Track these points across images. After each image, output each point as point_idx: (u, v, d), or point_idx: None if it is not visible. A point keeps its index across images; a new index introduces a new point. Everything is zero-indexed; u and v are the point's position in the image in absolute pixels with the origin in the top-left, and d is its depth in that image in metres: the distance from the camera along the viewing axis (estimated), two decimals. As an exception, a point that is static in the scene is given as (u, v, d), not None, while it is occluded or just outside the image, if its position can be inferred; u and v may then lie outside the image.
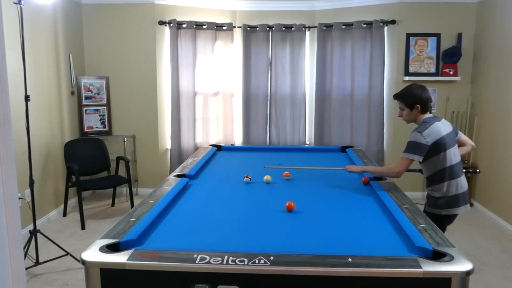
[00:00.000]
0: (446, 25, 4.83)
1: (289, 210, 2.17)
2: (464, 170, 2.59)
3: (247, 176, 2.76)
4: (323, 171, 3.05)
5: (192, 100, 5.15)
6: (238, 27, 5.15)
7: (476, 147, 4.78)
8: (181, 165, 3.15)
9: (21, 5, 2.99)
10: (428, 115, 2.54)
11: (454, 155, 2.47)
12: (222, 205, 2.30)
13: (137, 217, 1.96)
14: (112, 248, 1.63)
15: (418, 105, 2.50)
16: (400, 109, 2.61)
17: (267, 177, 2.76)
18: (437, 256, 1.58)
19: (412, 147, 2.41)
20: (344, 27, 4.96)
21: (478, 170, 4.72)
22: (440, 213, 2.52)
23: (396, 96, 2.59)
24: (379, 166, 2.62)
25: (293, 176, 2.92)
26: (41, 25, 4.18)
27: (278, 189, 2.62)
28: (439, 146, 2.41)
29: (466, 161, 4.90)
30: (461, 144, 2.65)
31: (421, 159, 2.44)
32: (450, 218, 2.58)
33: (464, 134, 4.90)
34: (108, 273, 1.52)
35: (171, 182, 2.63)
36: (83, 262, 1.53)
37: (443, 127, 2.46)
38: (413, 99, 2.51)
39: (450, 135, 2.49)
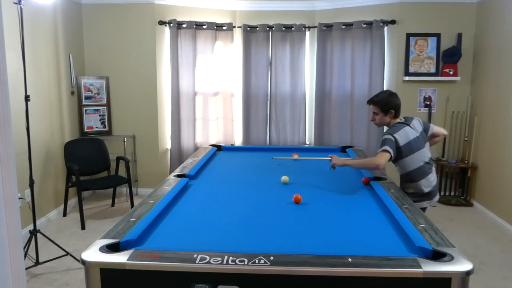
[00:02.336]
0: (446, 25, 4.83)
1: (296, 202, 2.31)
2: (433, 167, 2.80)
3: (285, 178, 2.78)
4: (316, 163, 3.09)
5: (192, 100, 5.15)
6: (238, 27, 5.15)
7: (476, 147, 4.80)
8: (181, 165, 3.15)
9: (21, 5, 2.99)
10: (398, 119, 2.74)
11: (423, 156, 2.67)
12: (222, 205, 2.30)
13: (137, 217, 1.96)
14: (112, 248, 1.63)
15: (393, 111, 2.71)
16: (373, 114, 2.77)
17: (284, 178, 2.76)
18: (437, 256, 1.58)
19: (386, 142, 2.58)
20: (344, 27, 4.96)
21: (466, 161, 4.73)
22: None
23: (372, 102, 2.74)
24: (362, 160, 2.68)
25: (293, 177, 2.92)
26: (41, 25, 4.18)
27: (278, 189, 2.62)
28: (407, 149, 2.62)
29: (466, 161, 4.90)
30: (435, 136, 2.83)
31: (394, 154, 2.57)
32: (422, 210, 2.76)
33: (464, 134, 4.95)
34: (108, 273, 1.52)
35: (171, 182, 2.63)
36: (83, 262, 1.53)
37: (411, 132, 2.65)
38: (388, 105, 2.70)
39: (419, 138, 2.67)
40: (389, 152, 2.53)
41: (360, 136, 5.07)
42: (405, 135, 2.61)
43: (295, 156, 3.27)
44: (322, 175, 2.97)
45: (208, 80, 5.16)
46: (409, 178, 2.70)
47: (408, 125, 2.68)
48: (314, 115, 5.20)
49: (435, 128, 2.81)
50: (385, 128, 2.82)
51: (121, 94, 5.14)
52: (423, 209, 2.75)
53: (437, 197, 2.80)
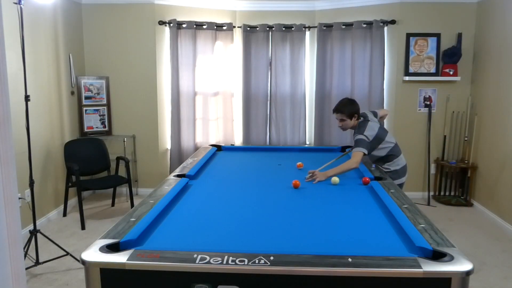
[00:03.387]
0: (446, 25, 4.83)
1: (295, 187, 2.63)
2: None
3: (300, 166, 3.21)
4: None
5: (192, 100, 5.15)
6: (238, 27, 5.15)
7: (476, 147, 4.80)
8: (181, 165, 3.15)
9: (21, 5, 2.99)
10: (360, 120, 3.18)
11: (390, 139, 3.20)
12: (222, 205, 2.30)
13: (137, 217, 1.96)
14: (112, 248, 1.63)
15: (356, 114, 3.15)
16: (340, 121, 3.17)
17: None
18: (437, 256, 1.58)
19: (359, 143, 2.99)
20: (344, 27, 4.96)
21: (466, 161, 4.74)
22: (401, 182, 3.24)
23: (338, 111, 3.14)
24: (340, 166, 2.89)
25: (293, 177, 2.92)
26: (41, 25, 4.18)
27: (277, 190, 2.62)
28: (377, 139, 3.12)
29: (466, 161, 4.90)
30: (382, 118, 3.43)
31: (368, 150, 3.01)
32: (400, 187, 3.21)
33: (464, 134, 4.95)
34: (108, 273, 1.52)
35: (171, 182, 2.63)
36: (83, 262, 1.53)
37: (374, 125, 3.11)
38: (352, 111, 3.14)
39: (381, 128, 3.17)
40: (363, 152, 2.95)
41: (360, 136, 5.06)
42: (371, 129, 3.07)
43: (300, 166, 3.25)
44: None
45: (208, 80, 5.16)
46: (387, 159, 3.21)
47: (369, 120, 3.13)
48: (314, 115, 5.20)
49: (380, 111, 3.42)
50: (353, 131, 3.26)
51: (121, 94, 5.14)
52: (401, 185, 3.25)
53: (405, 177, 3.31)
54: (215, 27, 5.03)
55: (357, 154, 2.93)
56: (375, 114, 3.32)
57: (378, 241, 1.80)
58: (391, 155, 3.20)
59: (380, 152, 3.19)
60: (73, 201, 4.81)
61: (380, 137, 3.12)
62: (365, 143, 2.99)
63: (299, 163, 3.27)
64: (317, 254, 1.57)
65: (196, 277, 1.50)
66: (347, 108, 3.14)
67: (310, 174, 2.86)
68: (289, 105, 5.20)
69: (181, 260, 1.52)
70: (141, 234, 1.76)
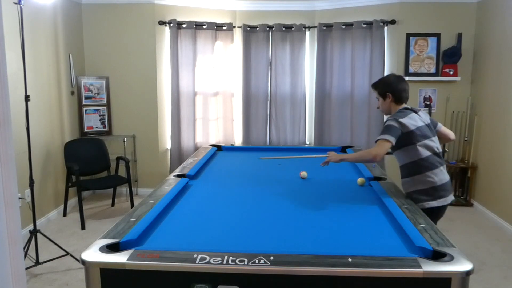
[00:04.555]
0: (446, 25, 4.83)
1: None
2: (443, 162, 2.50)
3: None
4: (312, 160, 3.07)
5: (192, 100, 5.15)
6: (238, 27, 5.15)
7: (476, 147, 4.80)
8: (181, 165, 3.15)
9: (21, 5, 2.99)
10: (403, 105, 2.47)
11: (430, 146, 2.38)
12: (222, 205, 2.30)
13: (137, 217, 1.96)
14: (112, 248, 1.63)
15: (390, 94, 2.46)
16: (377, 99, 2.59)
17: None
18: (437, 256, 1.58)
19: (387, 129, 2.33)
20: (344, 27, 4.96)
21: (466, 161, 4.73)
22: (424, 206, 2.37)
23: (373, 85, 2.58)
24: (359, 152, 2.42)
25: (293, 177, 2.92)
26: (41, 25, 4.18)
27: (278, 190, 2.62)
28: (412, 136, 2.34)
29: (466, 161, 4.90)
30: (440, 135, 2.57)
31: (394, 140, 2.31)
32: (436, 212, 2.42)
33: (464, 134, 4.95)
34: (108, 273, 1.52)
35: (171, 182, 2.63)
36: (83, 262, 1.53)
37: (419, 119, 2.40)
38: (385, 88, 2.47)
39: (428, 127, 2.42)
40: (390, 141, 2.28)
41: (360, 136, 5.07)
42: (412, 120, 2.35)
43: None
44: (322, 176, 2.97)
45: (208, 80, 5.16)
46: (414, 170, 2.38)
47: (416, 112, 2.44)
48: (314, 115, 5.20)
49: (442, 128, 2.58)
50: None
51: (121, 94, 5.14)
52: (433, 209, 2.38)
53: (450, 198, 2.47)
54: (215, 27, 5.03)
55: (380, 145, 2.30)
56: (434, 122, 2.55)
57: (378, 241, 1.80)
58: (413, 167, 2.39)
59: (405, 158, 2.41)
60: (73, 201, 4.81)
61: (415, 134, 2.34)
62: (394, 130, 2.30)
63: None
64: (317, 254, 1.57)
65: (196, 277, 1.50)
66: (381, 83, 2.50)
67: (328, 155, 2.57)
68: (289, 105, 5.20)
69: (181, 260, 1.52)
70: (141, 234, 1.76)
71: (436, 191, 2.38)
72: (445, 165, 2.47)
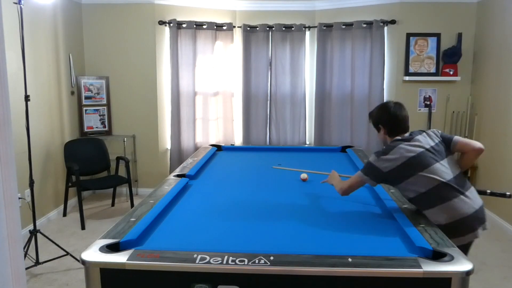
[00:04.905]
0: (446, 25, 4.83)
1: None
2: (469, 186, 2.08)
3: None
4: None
5: (192, 100, 5.15)
6: (238, 27, 5.15)
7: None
8: (181, 165, 3.15)
9: (21, 5, 2.99)
10: (397, 137, 2.14)
11: (436, 174, 1.99)
12: (222, 205, 2.30)
13: (137, 217, 1.96)
14: (112, 248, 1.63)
15: (382, 126, 2.19)
16: None
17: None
18: (437, 256, 1.58)
19: (365, 167, 2.12)
20: (344, 27, 4.96)
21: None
22: (461, 242, 2.00)
23: (369, 114, 2.34)
24: (342, 181, 2.27)
25: (293, 177, 2.92)
26: (41, 25, 4.18)
27: (278, 190, 2.62)
28: (404, 169, 2.01)
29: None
30: (462, 149, 2.13)
31: (374, 184, 2.12)
32: (465, 247, 2.04)
33: (464, 134, 4.95)
34: (108, 273, 1.52)
35: (171, 182, 2.63)
36: (83, 262, 1.53)
37: (410, 148, 2.03)
38: (377, 120, 2.22)
39: (428, 153, 2.03)
40: (363, 181, 2.11)
41: (360, 136, 5.07)
42: (397, 154, 2.02)
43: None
44: (322, 176, 2.97)
45: (208, 80, 5.16)
46: (422, 204, 2.02)
47: (407, 140, 2.07)
48: (314, 115, 5.20)
49: (460, 140, 2.11)
50: None
51: (121, 94, 5.14)
52: (467, 244, 2.05)
53: (476, 233, 2.03)
54: (215, 27, 5.03)
55: (352, 179, 2.16)
56: (447, 139, 2.13)
57: (378, 241, 1.79)
58: (430, 199, 2.00)
59: (408, 192, 2.06)
60: (73, 201, 4.81)
61: (410, 166, 2.01)
62: (371, 170, 2.08)
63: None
64: (317, 254, 1.57)
65: (196, 277, 1.50)
66: (373, 114, 2.26)
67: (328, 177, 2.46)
68: (289, 105, 5.20)
69: (181, 260, 1.52)
70: (141, 234, 1.76)
71: (456, 228, 1.98)
72: (469, 191, 2.03)
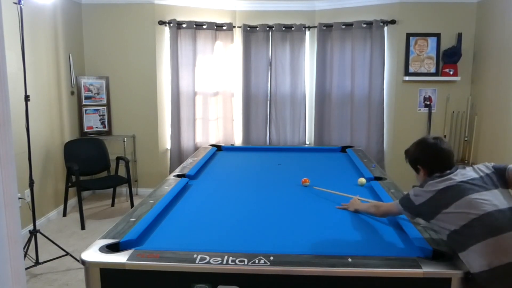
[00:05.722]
0: (446, 25, 4.83)
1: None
2: None
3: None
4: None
5: (192, 100, 5.15)
6: (238, 27, 5.15)
7: (476, 147, 4.80)
8: (181, 165, 3.16)
9: (21, 5, 2.99)
10: (437, 174, 1.77)
11: (481, 203, 1.58)
12: (222, 205, 2.30)
13: (137, 217, 1.96)
14: (112, 248, 1.63)
15: (420, 167, 1.87)
16: None
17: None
18: (437, 256, 1.58)
19: (403, 198, 1.86)
20: (344, 27, 4.96)
21: (466, 161, 4.73)
22: None
23: (404, 152, 2.02)
24: (371, 204, 2.12)
25: (293, 177, 2.92)
26: (41, 25, 4.18)
27: (278, 189, 2.62)
28: (439, 200, 1.68)
29: (466, 161, 4.90)
30: None
31: (410, 217, 1.92)
32: None
33: (464, 134, 4.95)
34: (108, 273, 1.52)
35: (171, 182, 2.63)
36: (83, 262, 1.53)
37: (447, 179, 1.71)
38: (414, 162, 1.91)
39: (468, 183, 1.67)
40: (398, 209, 1.88)
41: (360, 136, 5.07)
42: (430, 187, 1.72)
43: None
44: (322, 175, 2.97)
45: (208, 80, 5.16)
46: (457, 243, 1.59)
47: (445, 175, 1.73)
48: (314, 115, 5.20)
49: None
50: None
51: (121, 94, 5.14)
52: None
53: None
54: (215, 27, 5.03)
55: (392, 205, 1.95)
56: (500, 169, 1.74)
57: (378, 241, 1.79)
58: (461, 236, 1.57)
59: (442, 231, 1.68)
60: (73, 201, 4.81)
61: (438, 199, 1.68)
62: (407, 202, 1.80)
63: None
64: (317, 254, 1.57)
65: (196, 277, 1.50)
66: (410, 154, 1.93)
67: (348, 204, 2.26)
68: (289, 105, 5.20)
69: (181, 260, 1.52)
70: (141, 234, 1.77)
71: (489, 275, 1.47)
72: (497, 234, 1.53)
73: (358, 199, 2.26)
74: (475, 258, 1.48)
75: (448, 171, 1.75)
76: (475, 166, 1.79)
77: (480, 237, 1.51)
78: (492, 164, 1.79)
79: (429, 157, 1.82)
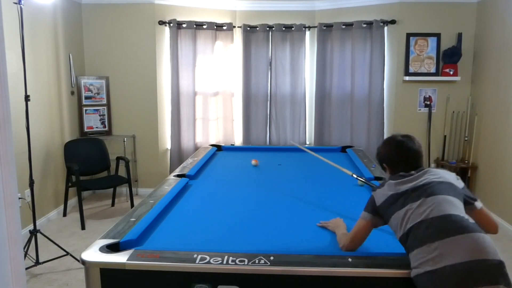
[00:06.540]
0: (446, 25, 4.83)
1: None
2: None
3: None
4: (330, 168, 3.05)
5: (192, 100, 5.15)
6: (238, 27, 5.15)
7: (476, 147, 4.80)
8: (181, 165, 3.16)
9: (21, 5, 2.99)
10: (401, 173, 1.68)
11: (438, 204, 1.50)
12: (222, 205, 2.30)
13: (137, 217, 1.96)
14: (112, 248, 1.63)
15: (385, 165, 1.78)
16: None
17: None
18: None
19: (369, 201, 1.72)
20: (344, 27, 4.96)
21: (466, 161, 4.72)
22: None
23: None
24: (343, 233, 1.81)
25: (293, 177, 2.92)
26: (41, 25, 4.18)
27: (278, 189, 2.62)
28: (390, 203, 1.60)
29: (466, 161, 4.90)
30: (481, 219, 1.71)
31: (368, 217, 1.67)
32: None
33: (464, 134, 4.95)
34: (108, 273, 1.52)
35: (171, 182, 2.63)
36: (83, 262, 1.53)
37: (405, 181, 1.62)
38: (379, 159, 1.82)
39: (423, 187, 1.57)
40: (364, 220, 1.68)
41: (360, 136, 5.07)
42: (390, 186, 1.64)
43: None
44: (323, 176, 2.97)
45: (208, 80, 5.16)
46: (406, 249, 1.54)
47: (408, 176, 1.64)
48: (314, 115, 5.20)
49: (481, 208, 1.70)
50: None
51: (121, 94, 5.14)
52: None
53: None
54: (215, 27, 5.03)
55: (355, 226, 1.71)
56: (467, 192, 1.67)
57: (378, 241, 1.79)
58: (409, 240, 1.50)
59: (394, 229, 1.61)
60: (73, 201, 4.81)
61: (389, 205, 1.61)
62: (370, 203, 1.70)
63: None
64: (317, 254, 1.57)
65: (196, 277, 1.50)
66: (378, 152, 1.84)
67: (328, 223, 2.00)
68: (289, 105, 5.20)
69: (181, 260, 1.52)
70: (141, 234, 1.77)
71: (448, 279, 1.38)
72: (473, 236, 1.60)
73: (342, 222, 1.96)
74: (419, 261, 1.43)
75: (413, 171, 1.65)
76: (448, 172, 1.68)
77: (416, 243, 1.46)
78: (458, 179, 1.68)
79: (394, 155, 1.73)
